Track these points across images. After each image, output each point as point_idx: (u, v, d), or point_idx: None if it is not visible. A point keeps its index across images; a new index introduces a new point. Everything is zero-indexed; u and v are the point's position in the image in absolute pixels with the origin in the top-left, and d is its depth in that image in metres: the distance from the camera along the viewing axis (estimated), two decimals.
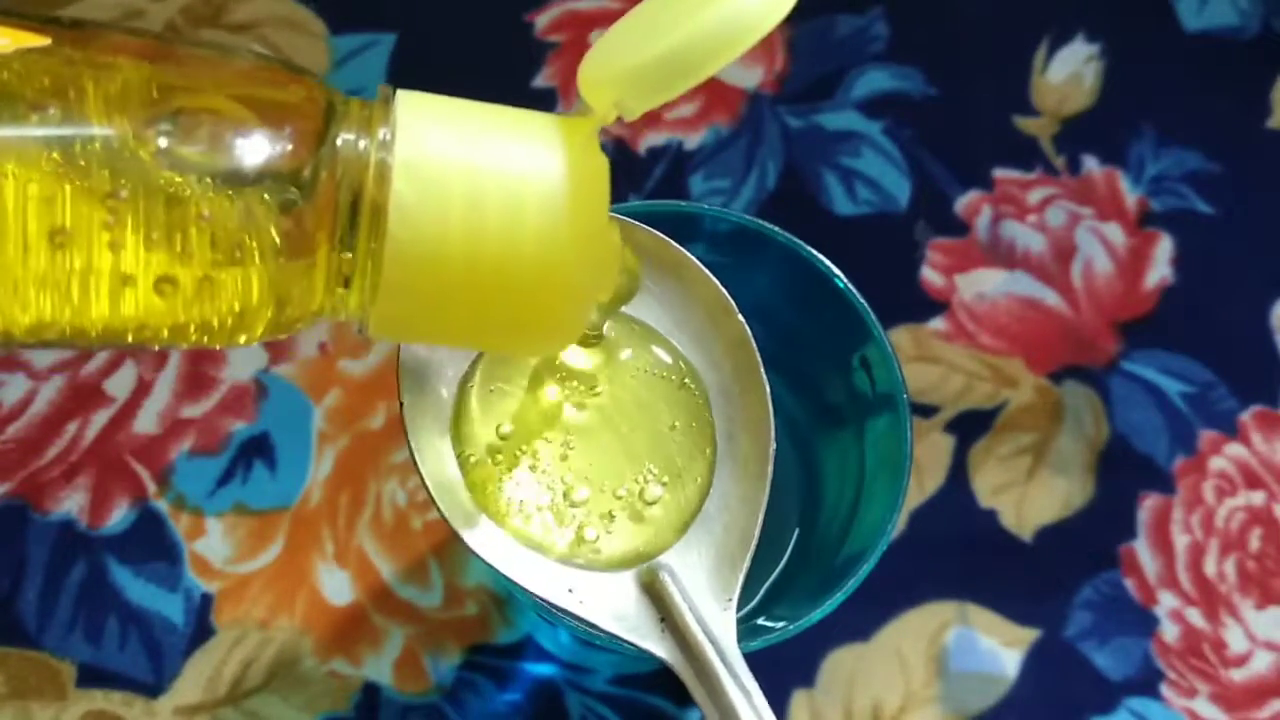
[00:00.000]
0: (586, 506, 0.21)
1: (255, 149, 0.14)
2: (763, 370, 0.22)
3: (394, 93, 0.16)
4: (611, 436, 0.21)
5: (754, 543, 0.20)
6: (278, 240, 0.14)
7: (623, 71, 0.16)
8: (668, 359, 0.22)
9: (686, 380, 0.22)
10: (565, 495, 0.21)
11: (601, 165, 0.17)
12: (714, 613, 0.19)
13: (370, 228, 0.15)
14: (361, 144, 0.15)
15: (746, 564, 0.20)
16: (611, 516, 0.21)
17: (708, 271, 0.22)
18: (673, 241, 0.22)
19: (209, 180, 0.14)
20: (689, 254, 0.22)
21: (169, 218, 0.14)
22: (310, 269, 0.15)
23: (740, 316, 0.22)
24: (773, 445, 0.21)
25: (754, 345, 0.22)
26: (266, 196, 0.14)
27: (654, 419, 0.22)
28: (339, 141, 0.15)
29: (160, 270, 0.14)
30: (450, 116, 0.17)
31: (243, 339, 0.15)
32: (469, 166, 0.16)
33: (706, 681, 0.19)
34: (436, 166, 0.16)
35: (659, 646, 0.19)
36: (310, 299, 0.15)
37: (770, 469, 0.21)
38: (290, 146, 0.15)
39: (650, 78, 0.16)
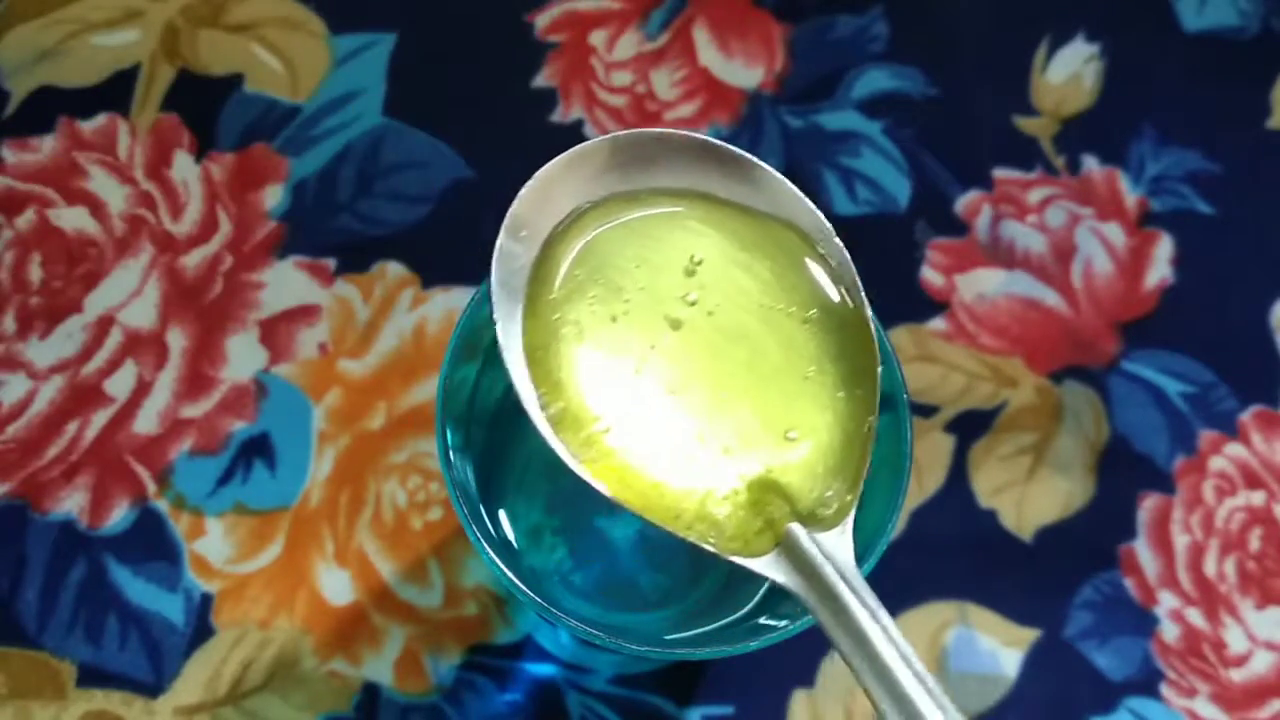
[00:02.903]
0: (711, 450, 0.20)
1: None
2: (863, 290, 0.21)
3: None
4: (729, 375, 0.21)
5: (867, 463, 0.20)
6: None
7: None
8: (791, 289, 0.21)
9: (812, 312, 0.21)
10: (691, 437, 0.20)
11: None
12: (830, 536, 0.19)
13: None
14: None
15: (860, 487, 0.20)
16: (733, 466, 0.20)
17: (801, 194, 0.21)
18: (766, 165, 0.21)
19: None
20: (784, 178, 0.21)
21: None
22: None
23: (838, 240, 0.21)
24: (879, 366, 0.20)
25: (853, 266, 0.21)
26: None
27: (777, 364, 0.21)
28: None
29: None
30: None
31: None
32: None
33: (829, 602, 0.18)
34: None
35: (773, 569, 0.19)
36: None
37: (878, 386, 0.20)
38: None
39: None
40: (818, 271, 0.21)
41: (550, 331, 0.20)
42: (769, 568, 0.19)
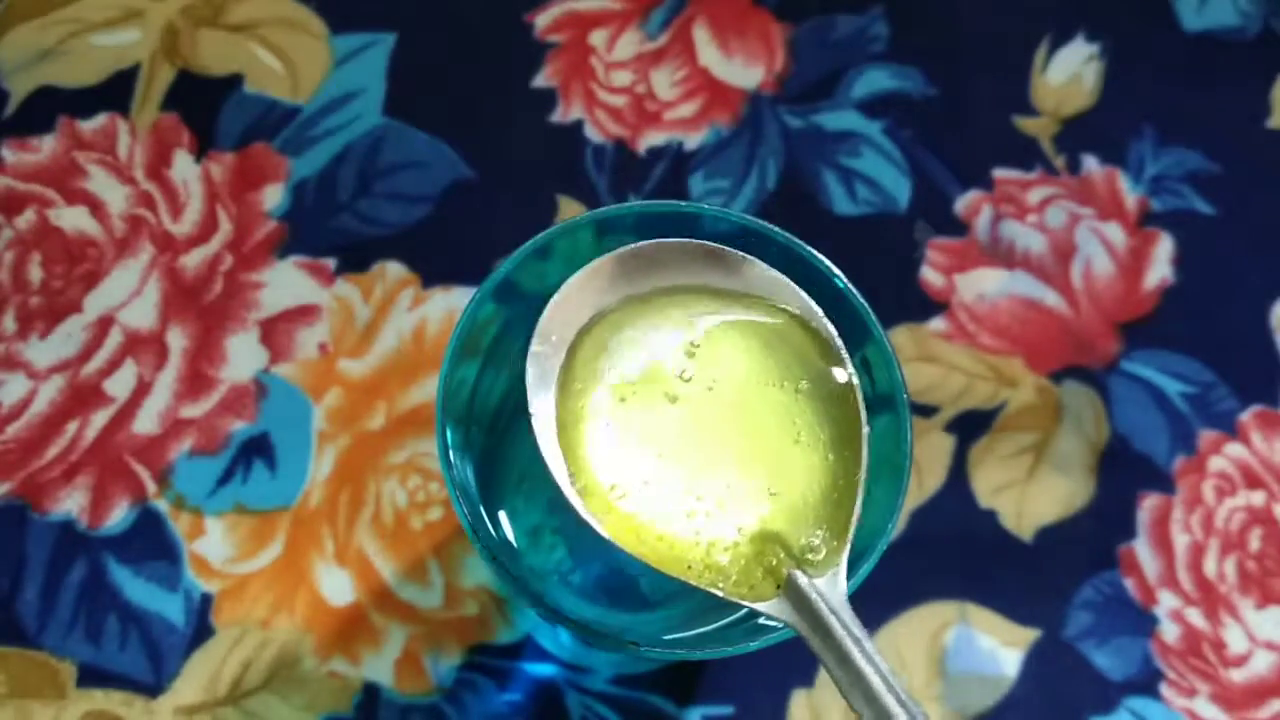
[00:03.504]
0: (709, 511, 0.23)
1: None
2: (849, 363, 0.23)
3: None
4: (722, 446, 0.23)
5: (855, 515, 0.22)
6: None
7: None
8: (777, 362, 0.24)
9: (802, 384, 0.24)
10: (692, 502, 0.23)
11: None
12: (824, 580, 0.22)
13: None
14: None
15: (850, 535, 0.22)
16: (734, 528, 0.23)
17: (790, 281, 0.24)
18: (756, 259, 0.24)
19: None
20: (774, 269, 0.24)
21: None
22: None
23: (827, 321, 0.24)
24: (865, 429, 0.23)
25: (840, 341, 0.23)
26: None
27: (768, 430, 0.23)
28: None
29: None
30: None
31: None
32: None
33: (821, 631, 0.21)
34: None
35: (777, 610, 0.22)
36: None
37: (865, 447, 0.23)
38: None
39: None
40: (808, 348, 0.24)
41: (574, 416, 0.23)
42: (773, 608, 0.22)
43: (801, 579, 0.22)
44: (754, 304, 0.24)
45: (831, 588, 0.22)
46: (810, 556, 0.22)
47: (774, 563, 0.22)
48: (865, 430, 0.23)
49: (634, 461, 0.23)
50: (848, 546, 0.22)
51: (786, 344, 0.24)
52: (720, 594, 0.22)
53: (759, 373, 0.24)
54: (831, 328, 0.23)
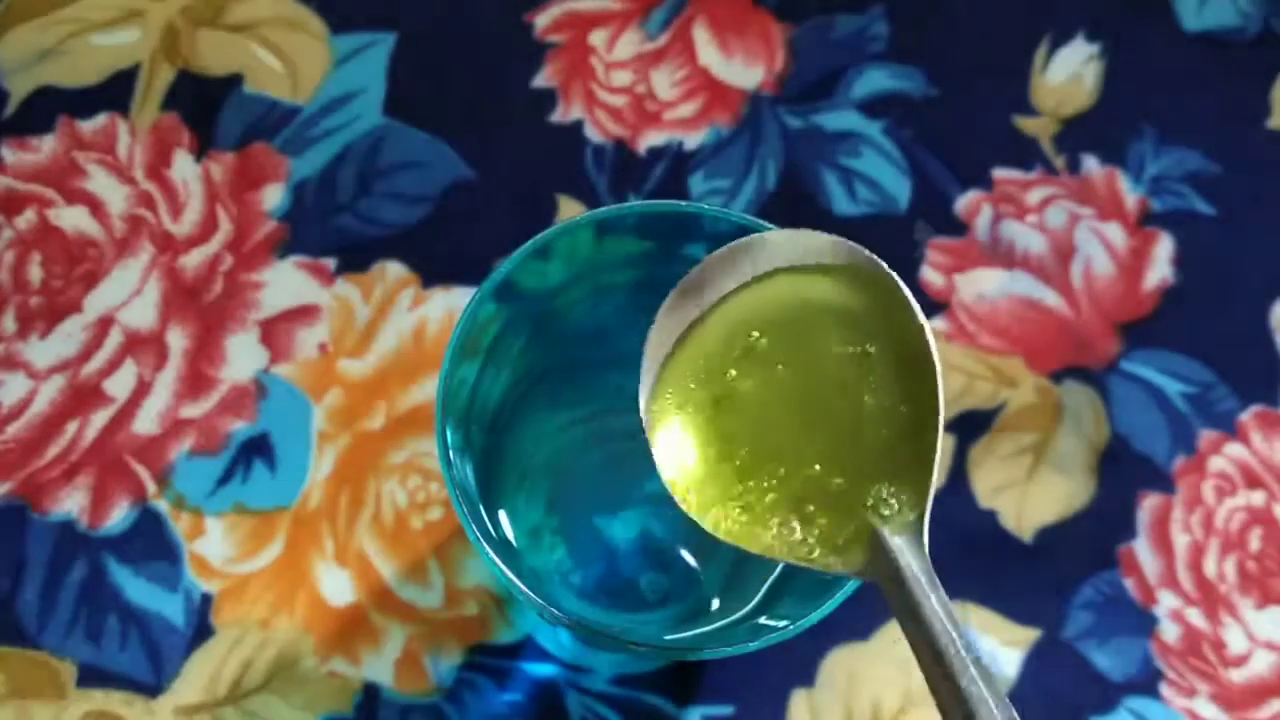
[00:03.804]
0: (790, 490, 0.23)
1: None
2: (920, 315, 0.23)
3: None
4: (801, 419, 0.24)
5: (935, 467, 0.22)
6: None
7: None
8: (849, 328, 0.24)
9: (868, 347, 0.24)
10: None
11: None
12: (904, 539, 0.22)
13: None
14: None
15: (931, 488, 0.22)
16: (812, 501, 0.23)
17: (854, 244, 0.24)
18: (803, 230, 0.24)
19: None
20: (835, 236, 0.24)
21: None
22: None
23: (893, 274, 0.23)
24: (939, 382, 0.23)
25: (908, 293, 0.23)
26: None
27: (836, 399, 0.24)
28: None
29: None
30: None
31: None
32: None
33: (907, 606, 0.21)
34: None
35: (866, 574, 0.22)
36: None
37: (938, 398, 0.23)
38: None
39: None
40: (875, 307, 0.24)
41: (654, 420, 0.24)
42: (863, 573, 0.22)
43: (883, 537, 0.22)
44: (820, 271, 0.24)
45: (915, 548, 0.22)
46: (885, 513, 0.23)
47: (856, 528, 0.23)
48: (940, 381, 0.23)
49: (707, 454, 0.24)
50: (929, 500, 0.22)
51: (854, 307, 0.24)
52: (809, 567, 0.22)
53: (829, 340, 0.24)
54: (897, 279, 0.23)
